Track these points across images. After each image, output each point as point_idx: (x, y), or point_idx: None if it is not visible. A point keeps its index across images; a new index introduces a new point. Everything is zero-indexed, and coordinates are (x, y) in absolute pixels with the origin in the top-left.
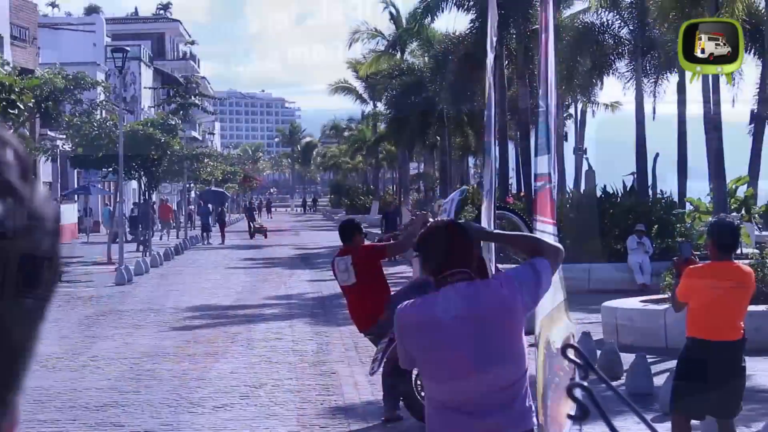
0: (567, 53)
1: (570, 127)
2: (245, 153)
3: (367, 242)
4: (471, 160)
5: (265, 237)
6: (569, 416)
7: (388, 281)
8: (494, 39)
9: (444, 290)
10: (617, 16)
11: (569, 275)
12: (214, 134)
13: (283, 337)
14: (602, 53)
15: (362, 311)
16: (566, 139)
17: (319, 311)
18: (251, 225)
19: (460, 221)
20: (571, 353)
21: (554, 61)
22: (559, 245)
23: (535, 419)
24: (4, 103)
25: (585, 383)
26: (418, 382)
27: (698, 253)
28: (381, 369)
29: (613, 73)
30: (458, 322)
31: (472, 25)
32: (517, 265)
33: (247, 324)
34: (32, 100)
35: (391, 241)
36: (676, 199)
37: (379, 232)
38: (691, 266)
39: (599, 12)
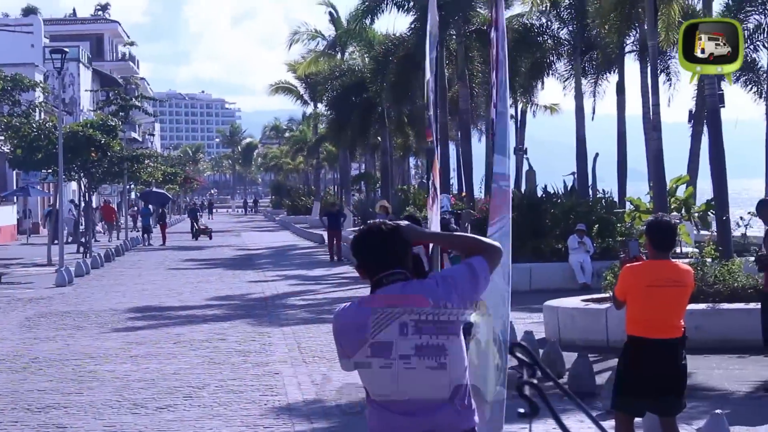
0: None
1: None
2: (185, 154)
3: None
4: (412, 161)
5: (210, 238)
6: (519, 414)
7: (332, 281)
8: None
9: (379, 292)
10: (557, 18)
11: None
12: (154, 135)
13: (226, 338)
14: (541, 54)
15: None
16: None
17: (262, 312)
18: (195, 226)
19: (396, 222)
20: (518, 351)
21: (506, 61)
22: (498, 243)
23: (476, 418)
24: None
25: (534, 381)
26: None
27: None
28: None
29: (552, 74)
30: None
31: (412, 26)
32: (455, 265)
33: (189, 325)
34: None
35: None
36: (616, 198)
37: (323, 233)
38: (628, 265)
39: (538, 14)
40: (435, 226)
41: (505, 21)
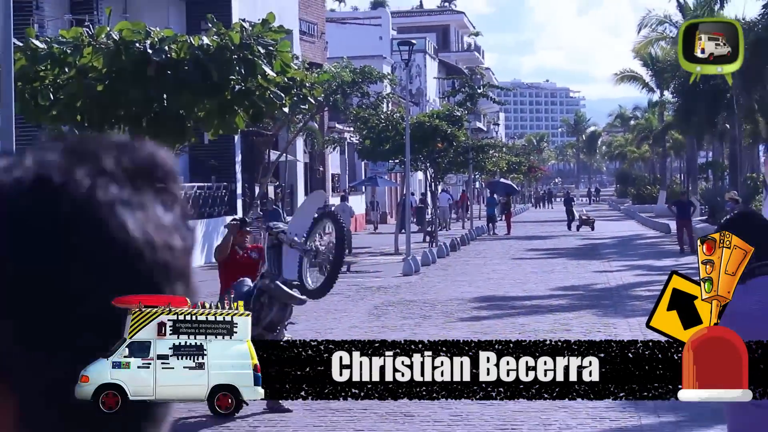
0: None
1: None
2: (530, 143)
3: None
4: (762, 148)
5: (592, 229)
6: None
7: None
8: None
9: (750, 283)
10: None
11: None
12: (498, 125)
13: (571, 329)
14: None
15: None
16: None
17: (607, 302)
18: (572, 215)
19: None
20: None
21: None
22: None
23: None
24: (295, 98)
25: None
26: None
27: None
28: None
29: None
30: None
31: (763, 10)
32: None
33: (533, 315)
34: (322, 95)
35: None
36: None
37: (672, 222)
38: None
39: None
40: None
41: None
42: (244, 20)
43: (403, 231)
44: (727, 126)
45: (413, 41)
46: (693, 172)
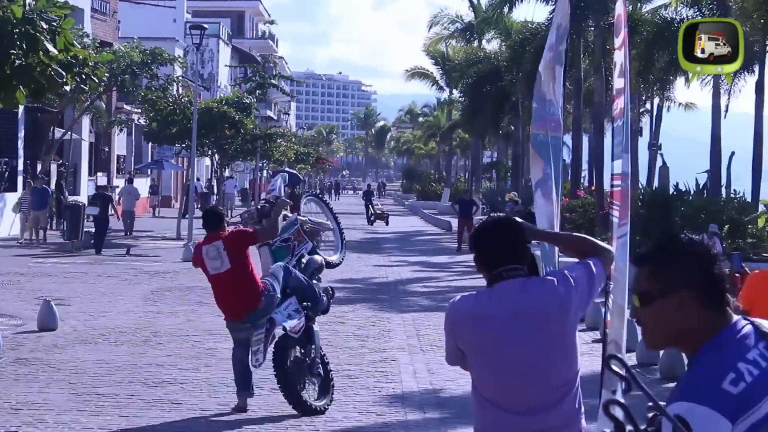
0: (644, 48)
1: (645, 122)
2: (319, 134)
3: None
4: None
5: (387, 224)
6: None
7: (456, 269)
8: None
9: (498, 286)
10: (698, 13)
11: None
12: (289, 114)
13: (346, 322)
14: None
15: (238, 300)
16: (641, 135)
17: (384, 296)
18: (371, 210)
19: (513, 217)
20: (615, 364)
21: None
22: (611, 247)
23: (584, 421)
24: (78, 77)
25: (622, 400)
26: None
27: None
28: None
29: None
30: (513, 318)
31: (550, 16)
32: (572, 263)
33: None
34: (106, 75)
35: (257, 227)
36: (749, 199)
37: (454, 220)
38: (756, 272)
39: (678, 8)
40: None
41: (628, 17)
42: None
43: (186, 216)
44: (512, 128)
45: (205, 25)
46: (477, 172)
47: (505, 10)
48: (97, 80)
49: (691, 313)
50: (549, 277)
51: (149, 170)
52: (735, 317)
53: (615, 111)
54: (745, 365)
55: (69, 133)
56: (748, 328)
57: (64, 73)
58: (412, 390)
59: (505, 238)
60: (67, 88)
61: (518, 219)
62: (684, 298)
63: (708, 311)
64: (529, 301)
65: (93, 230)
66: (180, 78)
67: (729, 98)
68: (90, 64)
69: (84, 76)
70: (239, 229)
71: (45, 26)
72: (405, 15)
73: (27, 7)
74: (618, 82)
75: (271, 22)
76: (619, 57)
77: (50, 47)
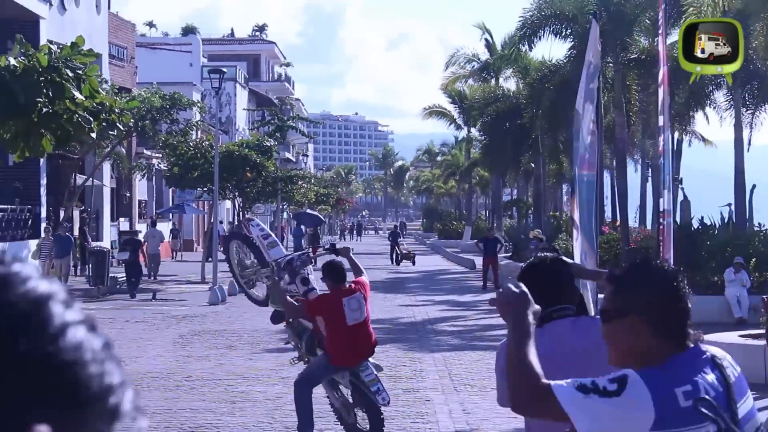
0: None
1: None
2: (338, 175)
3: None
4: (565, 187)
5: (413, 263)
6: None
7: (483, 308)
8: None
9: (548, 326)
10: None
11: None
12: (307, 156)
13: (379, 363)
14: (701, 83)
15: (370, 348)
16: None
17: (413, 336)
18: (396, 250)
19: (561, 257)
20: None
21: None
22: None
23: None
24: (104, 123)
25: None
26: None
27: None
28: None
29: (710, 105)
30: (562, 356)
31: (569, 53)
32: None
33: None
34: (131, 121)
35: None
36: None
37: (477, 258)
38: None
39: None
40: (577, 257)
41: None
42: (52, 42)
43: (210, 259)
44: (532, 165)
45: (224, 69)
46: (498, 209)
47: (524, 48)
48: (122, 126)
49: (640, 337)
50: (597, 316)
51: (170, 214)
52: (692, 345)
53: (659, 148)
54: (681, 389)
55: (91, 179)
56: (703, 357)
57: (91, 120)
58: (449, 430)
59: (555, 277)
60: (93, 134)
61: (566, 259)
62: (634, 322)
63: (657, 339)
64: (579, 340)
65: (123, 276)
66: (199, 122)
67: (751, 132)
68: (116, 110)
69: (110, 122)
70: (361, 280)
71: (70, 74)
72: (418, 55)
73: (52, 56)
74: (660, 119)
75: (287, 65)
76: (661, 94)
77: (77, 94)
